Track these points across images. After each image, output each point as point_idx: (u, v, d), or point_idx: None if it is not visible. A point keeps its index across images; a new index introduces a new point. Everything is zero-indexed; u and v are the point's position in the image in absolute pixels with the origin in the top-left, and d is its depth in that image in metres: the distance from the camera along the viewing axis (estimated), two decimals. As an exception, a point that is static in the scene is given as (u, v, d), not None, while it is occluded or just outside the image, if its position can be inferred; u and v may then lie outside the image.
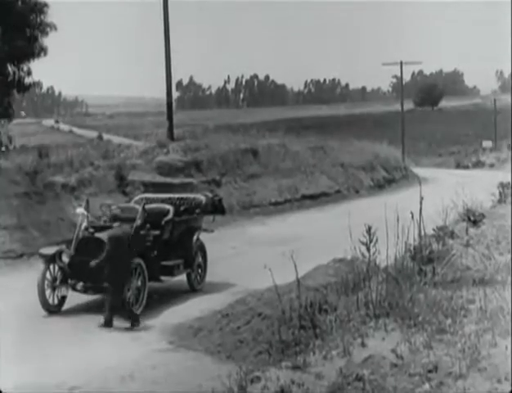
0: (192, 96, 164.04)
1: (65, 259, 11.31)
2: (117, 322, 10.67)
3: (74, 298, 11.52)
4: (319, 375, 6.23)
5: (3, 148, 24.67)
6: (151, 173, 22.58)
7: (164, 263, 12.20)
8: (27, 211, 17.71)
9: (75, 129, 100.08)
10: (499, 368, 6.00)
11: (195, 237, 13.01)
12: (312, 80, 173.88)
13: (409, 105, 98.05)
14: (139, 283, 11.16)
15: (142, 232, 11.81)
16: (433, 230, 10.61)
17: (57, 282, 11.38)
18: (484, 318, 7.18)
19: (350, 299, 8.24)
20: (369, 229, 8.16)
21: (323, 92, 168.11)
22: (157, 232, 12.15)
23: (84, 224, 11.88)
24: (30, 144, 34.63)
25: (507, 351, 6.26)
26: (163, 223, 12.37)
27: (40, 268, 11.47)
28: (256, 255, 15.28)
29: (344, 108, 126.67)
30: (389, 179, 33.78)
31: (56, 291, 11.35)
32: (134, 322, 10.43)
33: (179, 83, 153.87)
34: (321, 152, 31.21)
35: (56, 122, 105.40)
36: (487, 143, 68.62)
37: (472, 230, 11.49)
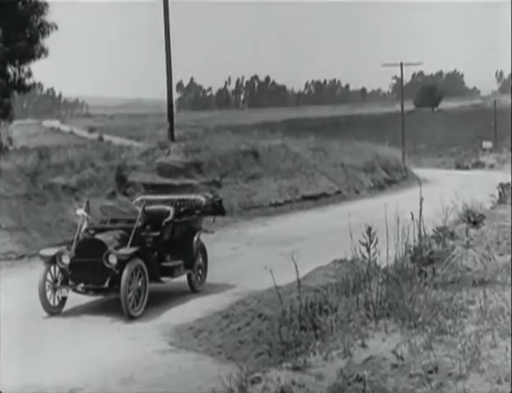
0: (193, 97, 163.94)
1: (66, 260, 11.31)
2: (117, 323, 10.70)
3: (75, 299, 11.52)
4: (319, 376, 6.24)
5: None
6: (152, 175, 22.61)
7: (165, 264, 12.22)
8: (27, 212, 17.72)
9: (76, 130, 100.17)
10: (499, 368, 6.01)
11: (195, 238, 13.01)
12: (312, 81, 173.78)
13: (409, 106, 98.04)
14: (139, 284, 11.17)
15: (143, 234, 11.83)
16: (433, 231, 10.62)
17: (58, 284, 11.38)
18: (484, 318, 7.19)
19: (350, 300, 8.24)
20: (369, 230, 8.17)
21: (323, 93, 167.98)
22: (157, 234, 12.17)
23: (85, 226, 11.89)
24: (31, 145, 34.64)
25: (507, 352, 6.27)
26: (163, 224, 12.37)
27: (41, 270, 11.48)
28: (256, 256, 15.30)
29: (345, 109, 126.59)
30: (389, 180, 33.83)
31: (57, 293, 11.35)
32: None
33: (180, 85, 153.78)
34: (321, 153, 31.25)
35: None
36: (487, 144, 68.67)
37: (472, 231, 11.49)
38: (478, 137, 72.92)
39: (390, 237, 8.54)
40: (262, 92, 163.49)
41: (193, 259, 12.82)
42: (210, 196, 14.55)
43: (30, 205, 18.10)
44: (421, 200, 9.20)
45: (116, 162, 22.43)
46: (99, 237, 11.53)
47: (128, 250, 11.25)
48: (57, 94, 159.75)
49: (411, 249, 9.31)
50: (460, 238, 10.90)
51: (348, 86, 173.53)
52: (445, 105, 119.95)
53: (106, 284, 11.13)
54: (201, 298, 12.24)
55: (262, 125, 54.45)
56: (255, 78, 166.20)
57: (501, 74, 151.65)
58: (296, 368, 6.42)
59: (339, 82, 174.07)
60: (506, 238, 10.66)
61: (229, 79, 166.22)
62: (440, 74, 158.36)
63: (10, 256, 15.91)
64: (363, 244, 8.25)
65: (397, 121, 62.69)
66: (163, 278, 12.09)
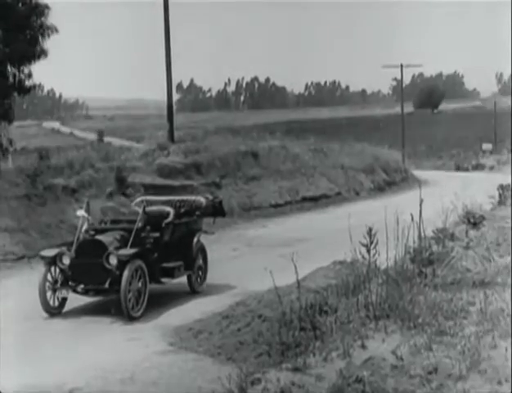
0: (193, 98, 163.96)
1: (66, 261, 11.32)
2: (117, 323, 10.70)
3: (74, 300, 11.53)
4: (319, 376, 6.25)
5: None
6: (152, 176, 22.62)
7: (165, 265, 12.21)
8: (27, 213, 17.73)
9: (76, 132, 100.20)
10: (499, 369, 6.02)
11: (195, 239, 13.01)
12: (312, 82, 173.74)
13: (409, 107, 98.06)
14: (140, 285, 11.17)
15: (143, 235, 11.84)
16: (433, 232, 10.63)
17: (58, 284, 11.38)
18: (484, 319, 7.20)
19: (350, 301, 8.25)
20: (369, 231, 8.18)
21: (323, 94, 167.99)
22: (157, 235, 12.17)
23: (85, 227, 11.89)
24: (31, 146, 34.64)
25: (507, 353, 6.28)
26: (163, 225, 12.37)
27: (41, 271, 11.48)
28: (256, 257, 15.32)
29: (345, 110, 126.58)
30: (389, 182, 33.87)
31: (57, 293, 11.35)
32: None
33: (179, 86, 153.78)
34: (321, 154, 31.29)
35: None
36: (487, 146, 68.73)
37: (472, 232, 11.51)
38: (479, 139, 72.96)
39: (390, 238, 8.55)
40: (262, 94, 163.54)
41: (193, 260, 12.83)
42: (210, 197, 14.56)
43: (30, 206, 18.11)
44: (421, 201, 9.22)
45: (116, 163, 22.46)
46: (99, 237, 11.53)
47: (128, 251, 11.26)
48: (57, 95, 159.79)
49: (411, 250, 9.32)
50: (460, 239, 10.91)
51: (348, 87, 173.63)
52: (445, 106, 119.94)
53: (106, 285, 11.14)
54: (201, 299, 12.25)
55: (262, 126, 54.50)
56: (255, 79, 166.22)
57: (501, 75, 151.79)
58: (296, 369, 6.43)
59: (339, 83, 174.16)
60: (506, 239, 10.67)
61: (229, 80, 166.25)
62: (440, 75, 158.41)
63: (10, 257, 15.91)
64: (363, 245, 8.26)
65: (397, 123, 62.71)
66: (164, 279, 12.09)
